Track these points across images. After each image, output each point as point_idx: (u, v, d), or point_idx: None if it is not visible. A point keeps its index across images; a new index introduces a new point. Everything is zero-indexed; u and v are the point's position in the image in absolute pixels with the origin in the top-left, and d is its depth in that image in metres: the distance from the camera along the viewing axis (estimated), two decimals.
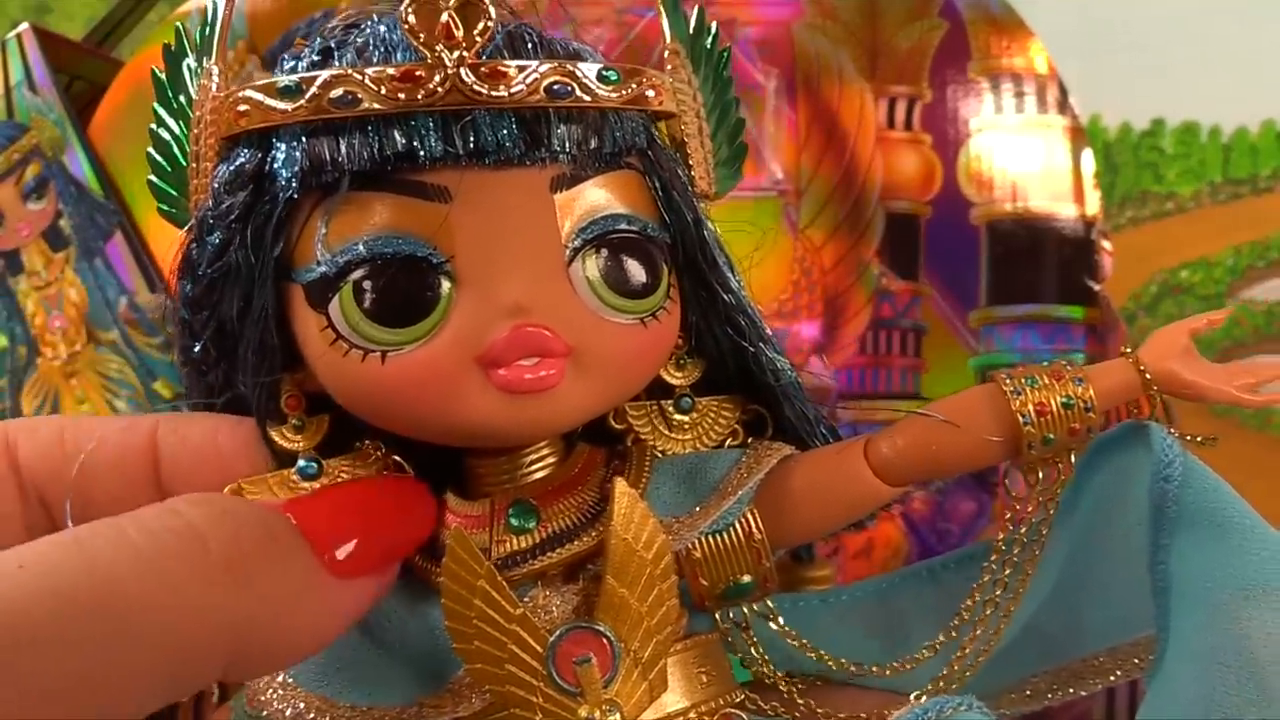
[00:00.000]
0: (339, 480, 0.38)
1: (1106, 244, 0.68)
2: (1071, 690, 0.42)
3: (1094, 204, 0.68)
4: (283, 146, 0.35)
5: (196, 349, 0.37)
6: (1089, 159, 0.68)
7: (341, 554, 0.32)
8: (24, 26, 0.71)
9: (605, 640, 0.34)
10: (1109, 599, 0.40)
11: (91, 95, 0.72)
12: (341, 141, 0.34)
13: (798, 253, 0.67)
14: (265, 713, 0.37)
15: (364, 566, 0.33)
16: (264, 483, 0.37)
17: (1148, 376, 0.37)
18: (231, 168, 0.35)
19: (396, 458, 0.38)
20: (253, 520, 0.31)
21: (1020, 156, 0.68)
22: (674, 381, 0.40)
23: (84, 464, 0.36)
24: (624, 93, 0.35)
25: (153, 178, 0.38)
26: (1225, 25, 0.89)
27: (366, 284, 0.34)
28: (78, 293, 0.69)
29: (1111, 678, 0.41)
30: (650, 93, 0.36)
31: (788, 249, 0.67)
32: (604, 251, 0.35)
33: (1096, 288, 0.67)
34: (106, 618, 0.27)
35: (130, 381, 0.68)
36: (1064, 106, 0.68)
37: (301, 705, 0.36)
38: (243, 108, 0.35)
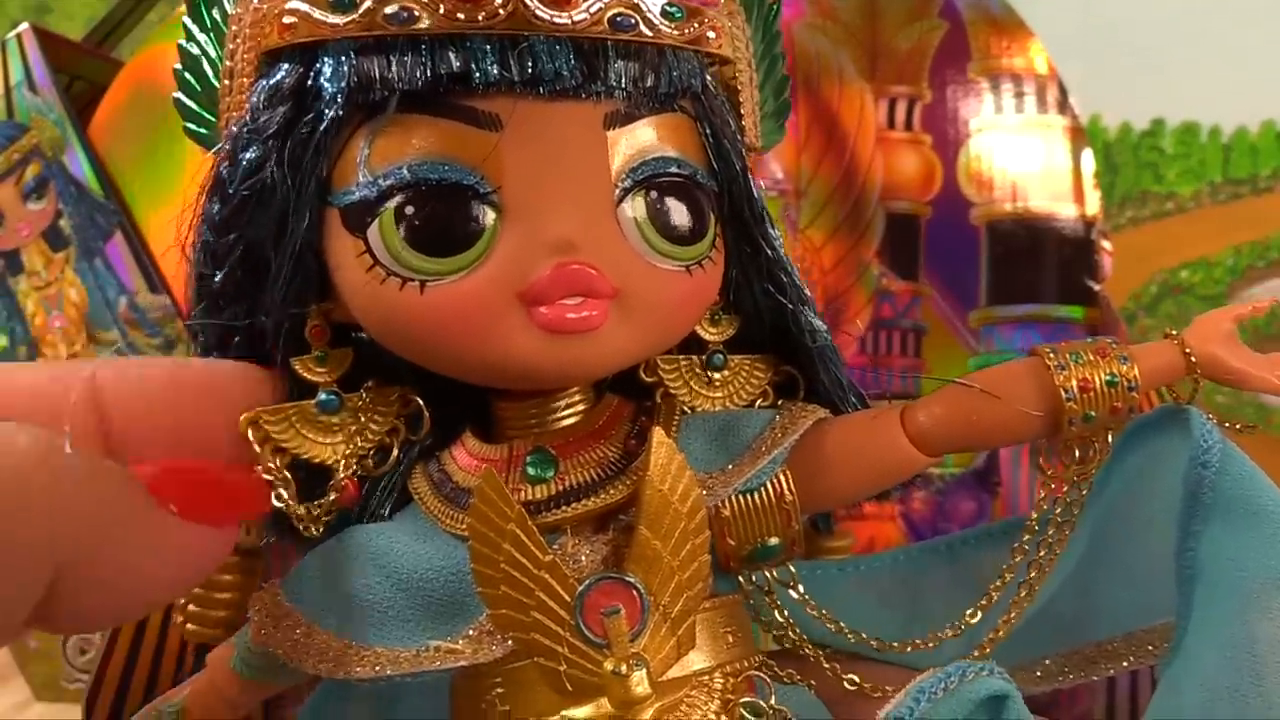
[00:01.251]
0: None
1: (1106, 244, 0.68)
2: (1084, 674, 0.41)
3: (1094, 204, 0.68)
4: (329, 61, 0.33)
5: (218, 278, 0.36)
6: (1089, 159, 0.68)
7: (179, 502, 0.31)
8: (24, 26, 0.71)
9: (635, 592, 0.34)
10: (1129, 584, 0.39)
11: (91, 95, 0.72)
12: (393, 59, 0.32)
13: (797, 253, 0.67)
14: (274, 648, 0.36)
15: (204, 512, 0.31)
16: (283, 413, 0.36)
17: (1193, 359, 0.36)
18: (271, 82, 0.34)
19: (417, 398, 0.37)
20: (66, 447, 0.29)
21: (1020, 156, 0.68)
22: (708, 337, 0.40)
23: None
24: (686, 31, 0.35)
25: (180, 95, 0.37)
26: (1225, 25, 0.89)
27: (409, 209, 0.33)
28: (78, 293, 0.69)
29: (1125, 663, 0.41)
30: (711, 34, 0.36)
31: (787, 249, 0.67)
32: (653, 194, 0.35)
33: (1096, 288, 0.67)
34: None
35: None
36: (1064, 106, 0.68)
37: (312, 642, 0.35)
38: (289, 20, 0.34)
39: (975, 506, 0.65)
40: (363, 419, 0.37)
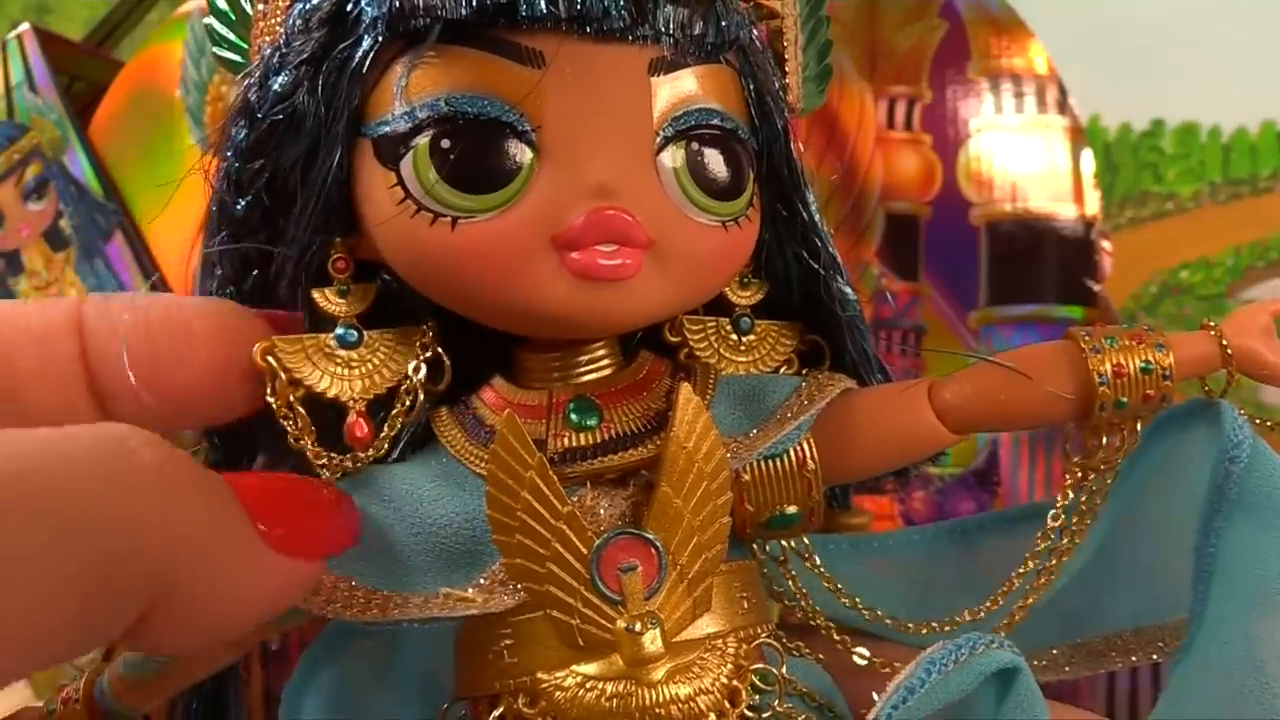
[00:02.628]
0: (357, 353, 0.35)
1: (1106, 244, 0.68)
2: (1090, 666, 0.41)
3: (1094, 204, 0.68)
4: None
5: (240, 206, 0.35)
6: (1089, 159, 0.68)
7: (272, 528, 0.30)
8: (24, 26, 0.72)
9: (653, 550, 0.33)
10: (1144, 577, 0.39)
11: (91, 95, 0.72)
12: None
13: None
14: None
15: (296, 544, 0.30)
16: (299, 344, 0.35)
17: (1229, 352, 0.36)
18: (309, 5, 0.33)
19: (432, 337, 0.36)
20: (184, 455, 0.28)
21: (1020, 156, 0.68)
22: (736, 300, 0.39)
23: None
24: None
25: (211, 20, 0.36)
26: (1225, 25, 0.89)
27: (444, 143, 0.32)
28: (78, 293, 0.69)
29: (1134, 658, 0.40)
30: None
31: None
32: (694, 145, 0.34)
33: (1096, 288, 0.67)
34: (17, 515, 0.24)
35: None
36: (1064, 106, 0.68)
37: (320, 582, 0.33)
38: None
39: (975, 507, 0.65)
40: (381, 358, 0.36)
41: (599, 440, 0.35)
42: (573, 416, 0.35)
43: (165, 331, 0.33)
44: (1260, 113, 0.93)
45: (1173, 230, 0.94)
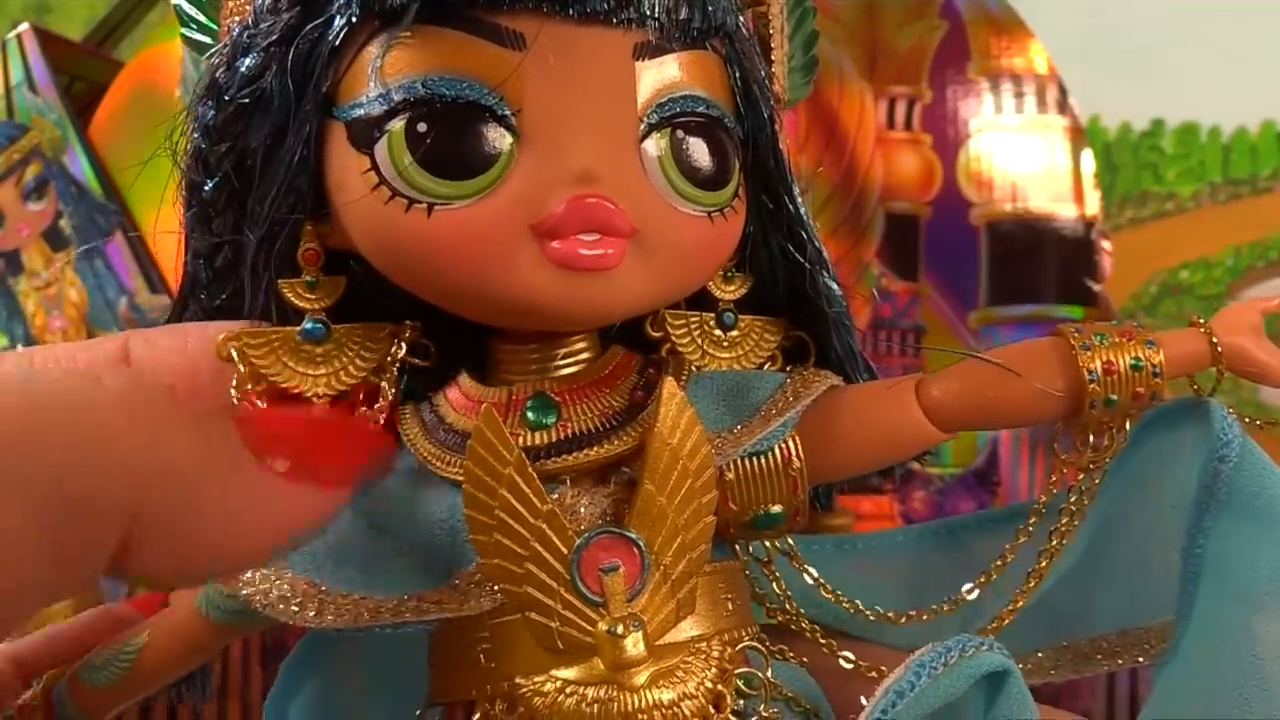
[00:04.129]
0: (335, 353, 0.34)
1: (1106, 244, 0.68)
2: (1076, 670, 0.40)
3: (1094, 204, 0.68)
4: None
5: (208, 186, 0.34)
6: (1089, 159, 0.68)
7: (281, 462, 0.29)
8: (24, 27, 0.72)
9: (636, 549, 0.32)
10: (1130, 578, 0.38)
11: (91, 95, 0.72)
12: None
13: None
14: (246, 592, 0.33)
15: (306, 475, 0.29)
16: (265, 336, 0.34)
17: (1219, 350, 0.35)
18: None
19: (413, 335, 0.35)
20: (163, 387, 0.28)
21: (1020, 157, 0.68)
22: (720, 294, 0.38)
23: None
24: None
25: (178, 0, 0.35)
26: (1225, 25, 0.89)
27: (421, 126, 0.31)
28: (78, 293, 0.69)
29: (1119, 661, 0.39)
30: None
31: None
32: (679, 133, 0.33)
33: (1096, 288, 0.67)
34: None
35: None
36: (1064, 106, 0.69)
37: (287, 588, 0.32)
38: None
39: (975, 506, 0.66)
40: (349, 354, 0.35)
41: (555, 439, 0.34)
42: (530, 414, 0.34)
43: (204, 355, 0.33)
44: (1260, 113, 0.93)
45: (1173, 230, 0.94)
